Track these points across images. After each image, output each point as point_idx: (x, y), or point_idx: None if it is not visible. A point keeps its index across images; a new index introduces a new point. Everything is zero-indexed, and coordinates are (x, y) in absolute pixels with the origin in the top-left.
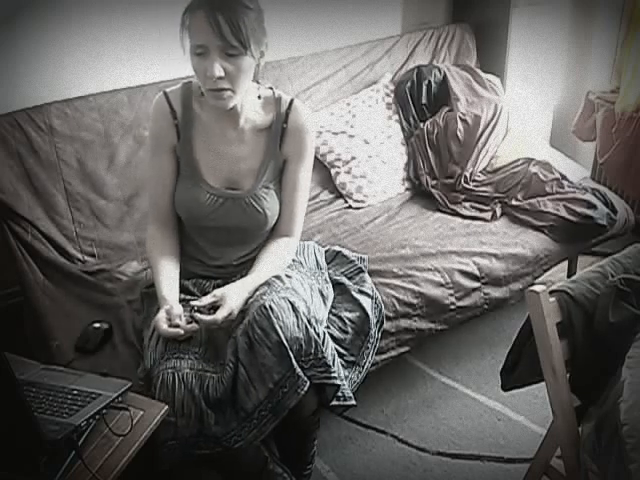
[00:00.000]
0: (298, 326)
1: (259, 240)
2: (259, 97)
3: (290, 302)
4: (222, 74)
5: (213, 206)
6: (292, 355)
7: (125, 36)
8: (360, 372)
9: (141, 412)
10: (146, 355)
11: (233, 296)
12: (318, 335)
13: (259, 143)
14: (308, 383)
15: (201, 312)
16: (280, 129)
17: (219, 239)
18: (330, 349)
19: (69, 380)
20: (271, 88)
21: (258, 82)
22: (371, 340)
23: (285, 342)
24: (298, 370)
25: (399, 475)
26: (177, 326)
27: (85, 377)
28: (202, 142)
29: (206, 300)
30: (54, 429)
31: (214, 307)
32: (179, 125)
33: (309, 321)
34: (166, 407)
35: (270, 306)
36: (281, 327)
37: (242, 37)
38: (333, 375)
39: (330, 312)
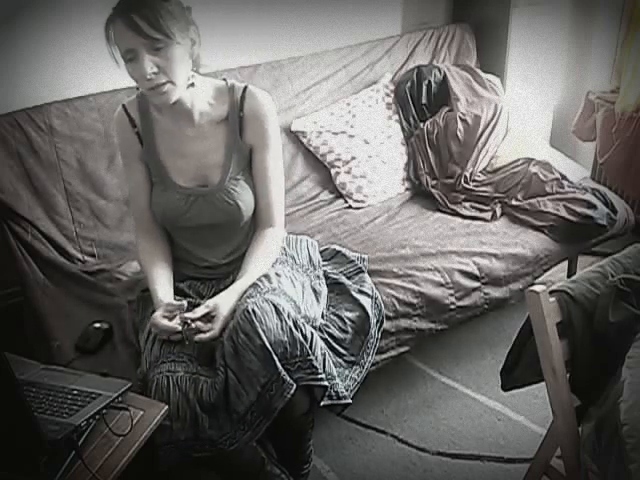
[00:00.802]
0: (282, 329)
1: (241, 234)
2: (192, 85)
3: (274, 305)
4: (154, 70)
5: (185, 206)
6: (277, 359)
7: None
8: (360, 372)
9: (141, 412)
10: (142, 358)
11: (225, 305)
12: (305, 337)
13: (219, 136)
14: (294, 386)
15: (189, 325)
16: (237, 118)
17: (201, 239)
18: (319, 349)
19: (69, 380)
20: (224, 79)
21: (198, 72)
22: (371, 340)
23: (269, 346)
24: (283, 373)
25: (399, 475)
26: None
27: (85, 377)
28: (165, 145)
29: (200, 312)
30: (54, 429)
31: (209, 316)
32: (140, 132)
33: (294, 323)
34: (166, 407)
35: (253, 310)
36: (264, 331)
37: (162, 28)
38: (320, 376)
39: (330, 312)
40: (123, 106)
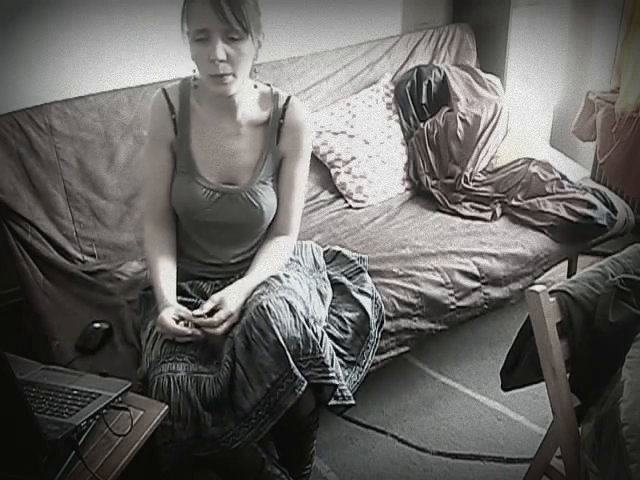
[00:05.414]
0: (296, 326)
1: (256, 238)
2: (255, 86)
3: (288, 302)
4: (224, 57)
5: (209, 201)
6: (289, 355)
7: (125, 36)
8: (360, 372)
9: (141, 412)
10: (143, 358)
11: (231, 298)
12: (316, 335)
13: (256, 138)
14: (305, 383)
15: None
16: (277, 125)
17: (216, 236)
18: (328, 349)
19: (69, 380)
20: (268, 85)
21: (252, 75)
22: (371, 340)
23: (282, 342)
24: (295, 370)
25: (399, 475)
26: (186, 325)
27: (85, 377)
28: (199, 137)
29: (207, 307)
30: (54, 429)
31: (215, 312)
32: (176, 120)
33: (307, 321)
34: (166, 407)
35: (267, 306)
36: (278, 327)
37: (244, 21)
38: (331, 375)
39: (330, 312)
40: (163, 90)
